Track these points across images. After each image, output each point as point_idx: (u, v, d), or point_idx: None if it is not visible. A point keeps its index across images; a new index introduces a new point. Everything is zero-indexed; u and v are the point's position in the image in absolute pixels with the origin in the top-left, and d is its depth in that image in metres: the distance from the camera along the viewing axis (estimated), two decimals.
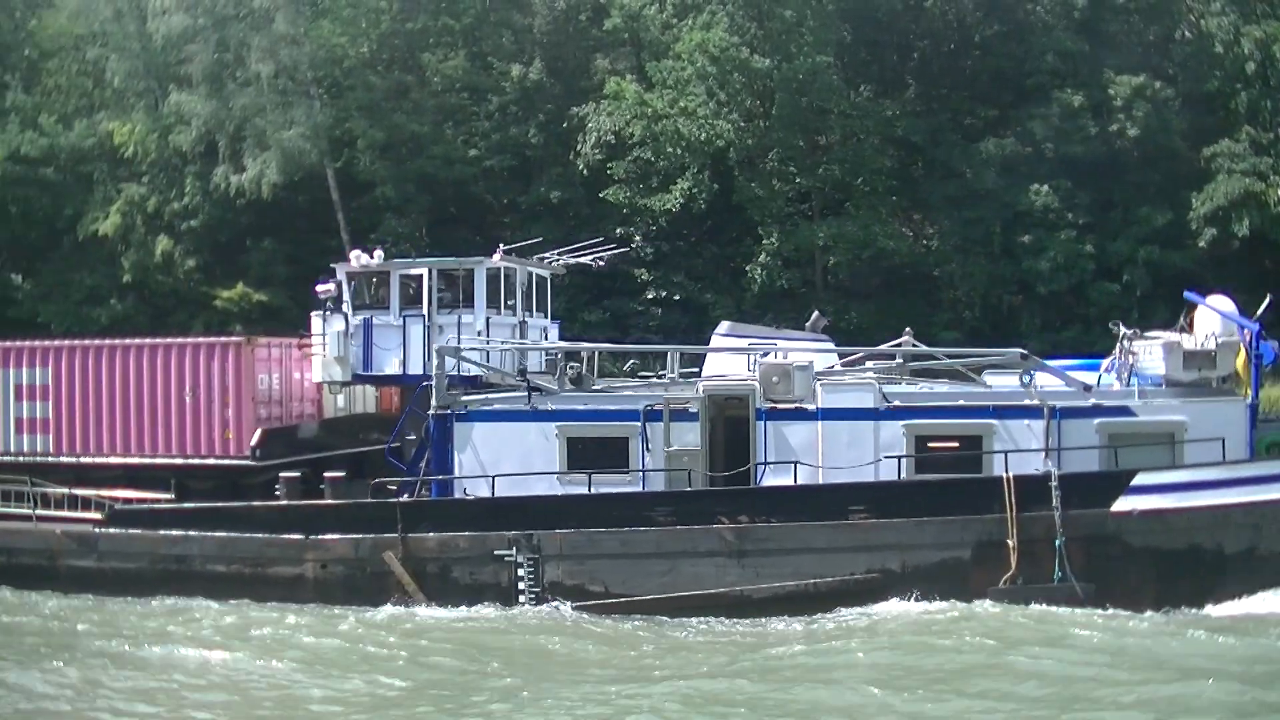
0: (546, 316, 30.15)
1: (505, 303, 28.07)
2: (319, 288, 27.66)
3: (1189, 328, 24.46)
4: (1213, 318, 24.29)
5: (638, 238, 50.01)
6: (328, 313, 27.01)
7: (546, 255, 30.03)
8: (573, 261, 31.12)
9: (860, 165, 48.37)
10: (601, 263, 31.19)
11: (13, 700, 17.05)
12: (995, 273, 47.68)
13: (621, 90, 49.73)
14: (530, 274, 29.21)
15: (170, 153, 54.42)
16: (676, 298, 49.57)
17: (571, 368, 26.04)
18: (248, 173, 51.51)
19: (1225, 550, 22.47)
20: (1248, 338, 23.54)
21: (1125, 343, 25.09)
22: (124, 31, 55.43)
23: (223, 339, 27.66)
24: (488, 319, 27.24)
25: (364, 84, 53.71)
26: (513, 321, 28.31)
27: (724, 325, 28.75)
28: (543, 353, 28.33)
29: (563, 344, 28.32)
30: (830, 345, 27.73)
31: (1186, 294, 25.27)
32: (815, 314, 29.52)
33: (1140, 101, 47.37)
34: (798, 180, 49.17)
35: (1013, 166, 47.99)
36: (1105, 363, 25.80)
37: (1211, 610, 21.90)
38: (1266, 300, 24.98)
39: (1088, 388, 24.26)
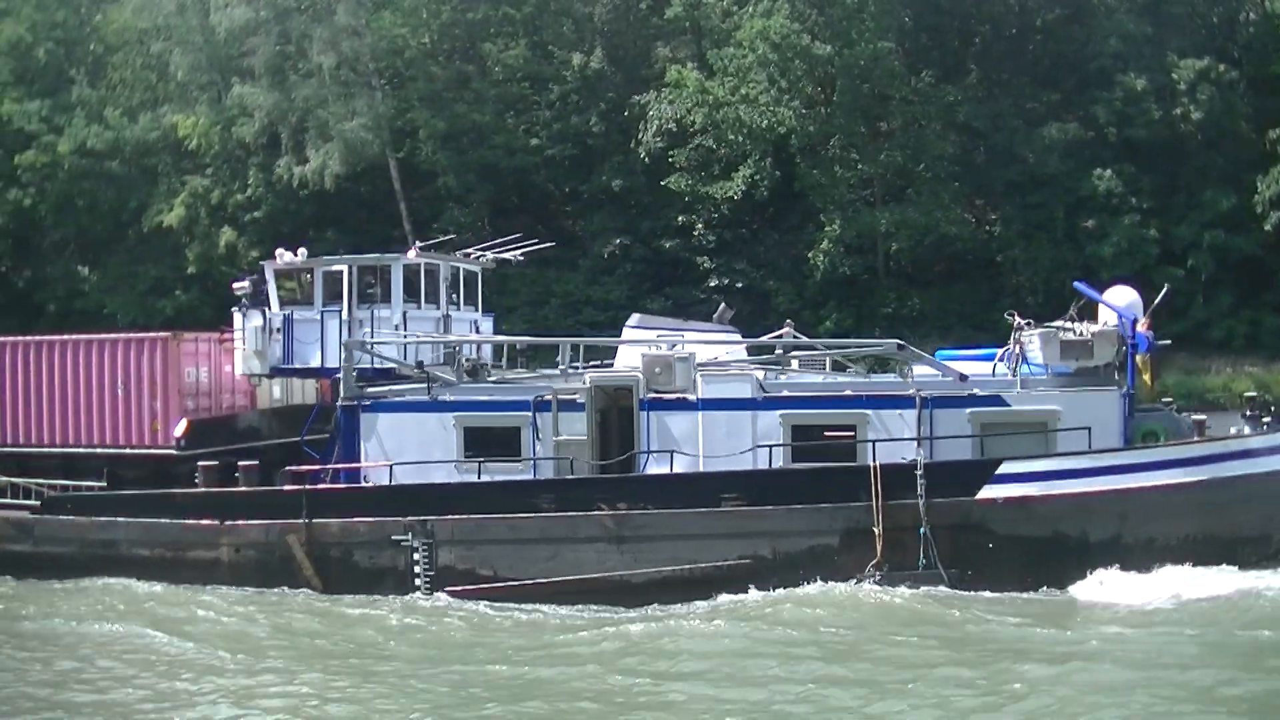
0: (477, 309, 31.37)
1: (426, 297, 29.45)
2: (235, 285, 29.32)
3: (1078, 317, 25.47)
4: (1115, 306, 25.68)
5: (700, 225, 52.72)
6: (245, 309, 28.49)
7: (470, 250, 31.67)
8: (499, 256, 32.28)
9: (922, 151, 50.93)
10: (521, 258, 32.65)
11: None
12: (1058, 258, 50.07)
13: (683, 78, 52.57)
14: (457, 269, 30.52)
15: (233, 145, 58.17)
16: (739, 285, 52.06)
17: (468, 360, 27.72)
18: (310, 164, 54.85)
19: (1090, 537, 23.37)
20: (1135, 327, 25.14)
21: (1016, 333, 25.95)
22: (187, 25, 59.21)
23: (150, 335, 29.41)
24: (405, 313, 28.53)
25: (425, 74, 57.13)
26: (436, 315, 29.54)
27: (634, 318, 29.77)
28: (439, 345, 29.54)
29: (469, 336, 29.73)
30: (737, 337, 28.84)
31: (1076, 284, 26.81)
32: (722, 306, 31.16)
33: (1204, 84, 49.68)
34: (859, 166, 51.74)
35: (1075, 151, 50.46)
36: (1000, 353, 26.72)
37: (1076, 596, 22.77)
38: (1164, 289, 27.23)
39: (963, 378, 25.35)
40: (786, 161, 52.41)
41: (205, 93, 59.87)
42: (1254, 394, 30.75)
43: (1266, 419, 26.12)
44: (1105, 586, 22.70)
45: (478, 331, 30.78)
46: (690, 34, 57.53)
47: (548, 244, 35.52)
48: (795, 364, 28.66)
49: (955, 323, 50.32)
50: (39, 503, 27.82)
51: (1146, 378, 25.45)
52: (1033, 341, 25.40)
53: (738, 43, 52.04)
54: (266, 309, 28.21)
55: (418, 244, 30.57)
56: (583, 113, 56.13)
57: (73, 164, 58.50)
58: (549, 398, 25.55)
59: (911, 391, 24.71)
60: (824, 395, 25.65)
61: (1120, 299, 25.67)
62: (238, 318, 28.32)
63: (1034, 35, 54.60)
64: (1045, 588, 22.96)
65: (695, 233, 52.51)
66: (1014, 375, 25.51)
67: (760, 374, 26.14)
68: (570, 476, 25.17)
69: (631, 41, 58.05)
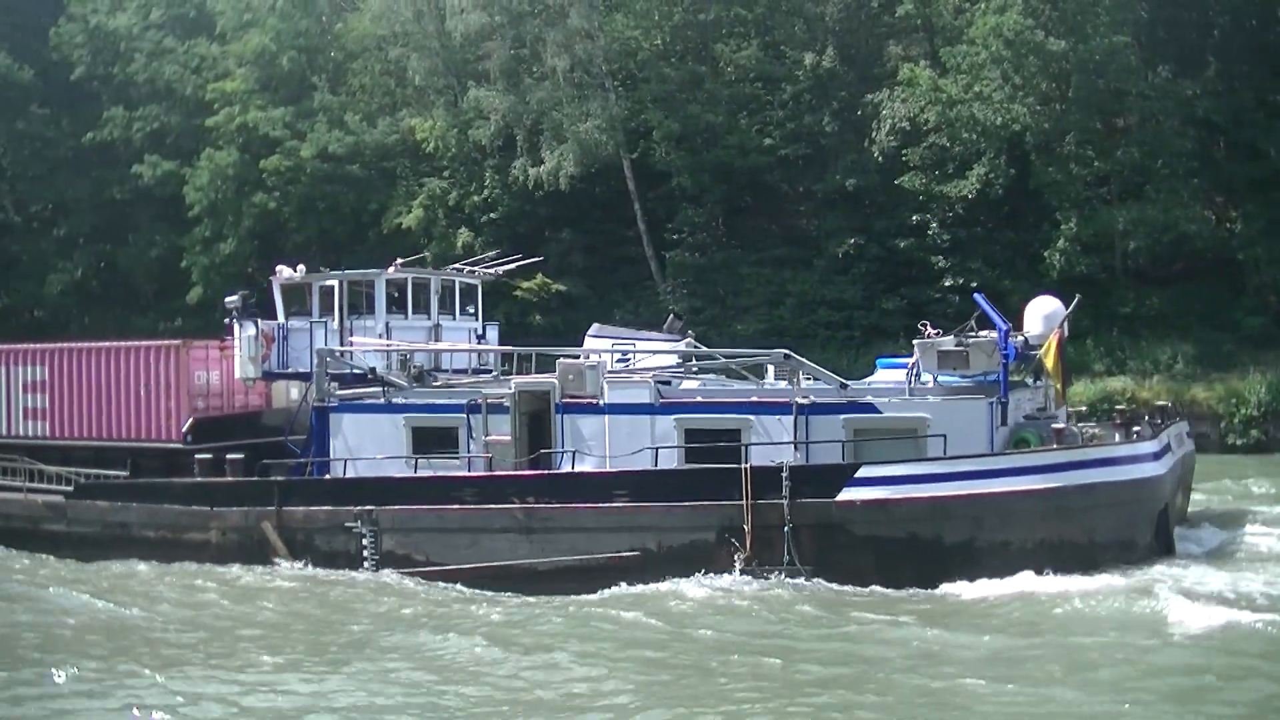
0: (477, 319, 37.22)
1: (415, 309, 35.25)
2: (227, 300, 34.84)
3: (976, 327, 29.07)
4: (1033, 315, 29.64)
5: (934, 224, 58.07)
6: (237, 320, 33.90)
7: (460, 265, 38.08)
8: (499, 271, 38.73)
9: (1160, 147, 54.94)
10: (498, 274, 38.62)
11: None
12: None
13: (915, 76, 57.71)
14: (452, 283, 36.33)
15: (470, 147, 66.21)
16: (974, 285, 56.12)
17: (414, 366, 33.24)
18: (545, 165, 62.21)
19: (945, 540, 26.29)
20: (1061, 338, 28.75)
21: (916, 342, 29.78)
22: (424, 31, 67.52)
23: (165, 343, 35.97)
24: (388, 323, 34.42)
25: (658, 75, 64.04)
26: (426, 324, 35.43)
27: (594, 327, 35.25)
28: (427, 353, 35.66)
29: (418, 345, 34.80)
30: (684, 346, 33.77)
31: (975, 296, 30.34)
32: (671, 317, 37.07)
33: None
34: (1095, 164, 55.85)
35: None
36: (911, 361, 30.32)
37: (929, 596, 25.55)
38: (1076, 299, 30.61)
39: (844, 385, 29.39)
40: (1021, 159, 56.69)
41: (442, 96, 68.11)
42: (1165, 403, 35.84)
43: (1137, 428, 29.93)
44: (958, 588, 25.60)
45: (479, 341, 36.95)
46: (922, 31, 62.81)
47: (535, 259, 43.49)
48: (771, 372, 33.29)
49: (1195, 323, 54.19)
50: (71, 488, 34.77)
51: (1057, 384, 29.43)
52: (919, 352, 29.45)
53: (970, 40, 56.27)
54: (258, 320, 33.89)
55: (398, 261, 36.27)
56: (815, 112, 62.05)
57: (315, 168, 67.06)
58: (480, 401, 30.74)
59: (789, 399, 28.76)
60: (713, 401, 29.99)
61: (1043, 309, 29.66)
62: (235, 328, 33.94)
63: (1275, 26, 57.57)
64: (902, 587, 25.89)
65: (929, 232, 57.73)
66: (913, 383, 29.66)
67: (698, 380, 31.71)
68: (489, 473, 29.93)
69: (863, 40, 63.69)
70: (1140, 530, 27.05)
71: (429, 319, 35.61)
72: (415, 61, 67.80)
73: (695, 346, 34.62)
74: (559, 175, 61.72)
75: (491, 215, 65.45)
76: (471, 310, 37.18)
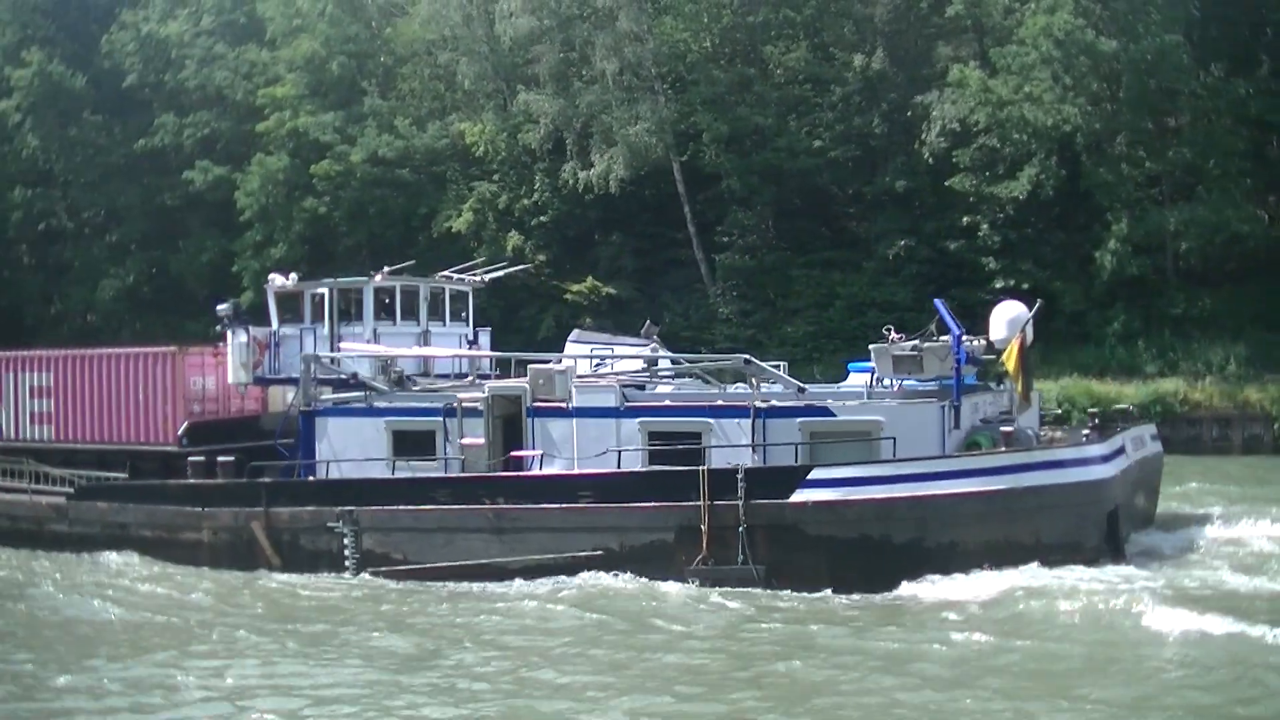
0: (468, 325, 38.45)
1: (404, 315, 36.45)
2: (218, 308, 36.07)
3: (936, 332, 29.77)
4: (997, 320, 30.55)
5: (984, 226, 58.62)
6: (228, 328, 35.32)
7: (448, 273, 38.83)
8: (489, 277, 40.17)
9: (1212, 147, 55.41)
10: (482, 281, 39.63)
11: None
12: None
13: (965, 77, 58.32)
14: (441, 290, 37.59)
15: (519, 151, 67.34)
16: (1025, 286, 56.60)
17: (395, 371, 34.27)
18: (595, 168, 63.22)
19: (893, 540, 27.04)
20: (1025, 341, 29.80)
21: (871, 347, 30.90)
22: (473, 35, 68.70)
23: (162, 349, 36.94)
24: (376, 329, 35.56)
25: (707, 78, 64.90)
26: (415, 330, 36.75)
27: (574, 333, 36.87)
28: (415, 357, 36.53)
29: (402, 351, 36.04)
30: (662, 351, 35.47)
31: (935, 302, 30.88)
32: (648, 323, 38.19)
33: None
34: (1147, 164, 56.45)
35: None
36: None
37: (879, 595, 26.31)
38: (1037, 304, 31.44)
39: (801, 389, 30.64)
40: (1072, 160, 57.24)
41: (491, 100, 69.24)
42: (1126, 407, 36.70)
43: (1086, 431, 30.67)
44: (906, 587, 26.32)
45: (470, 346, 38.16)
46: (972, 32, 63.37)
47: (524, 266, 43.51)
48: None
49: (1247, 324, 54.70)
50: (73, 490, 36.21)
51: (1019, 388, 30.13)
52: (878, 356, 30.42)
53: (1020, 40, 56.78)
54: (249, 326, 35.29)
55: (385, 269, 37.22)
56: (865, 114, 62.82)
57: (365, 172, 68.20)
58: (455, 405, 31.92)
59: (747, 402, 29.73)
60: (675, 405, 31.13)
61: (1007, 313, 30.64)
62: (228, 335, 35.31)
63: None
64: (852, 587, 26.67)
65: (980, 233, 58.28)
66: (871, 387, 30.68)
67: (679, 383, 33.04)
68: (463, 474, 31.18)
69: (912, 41, 64.39)
70: (1087, 532, 27.64)
71: (418, 325, 36.92)
72: (465, 66, 68.96)
73: (656, 350, 35.85)
74: (609, 178, 62.65)
75: (541, 219, 66.54)
76: (463, 316, 38.48)
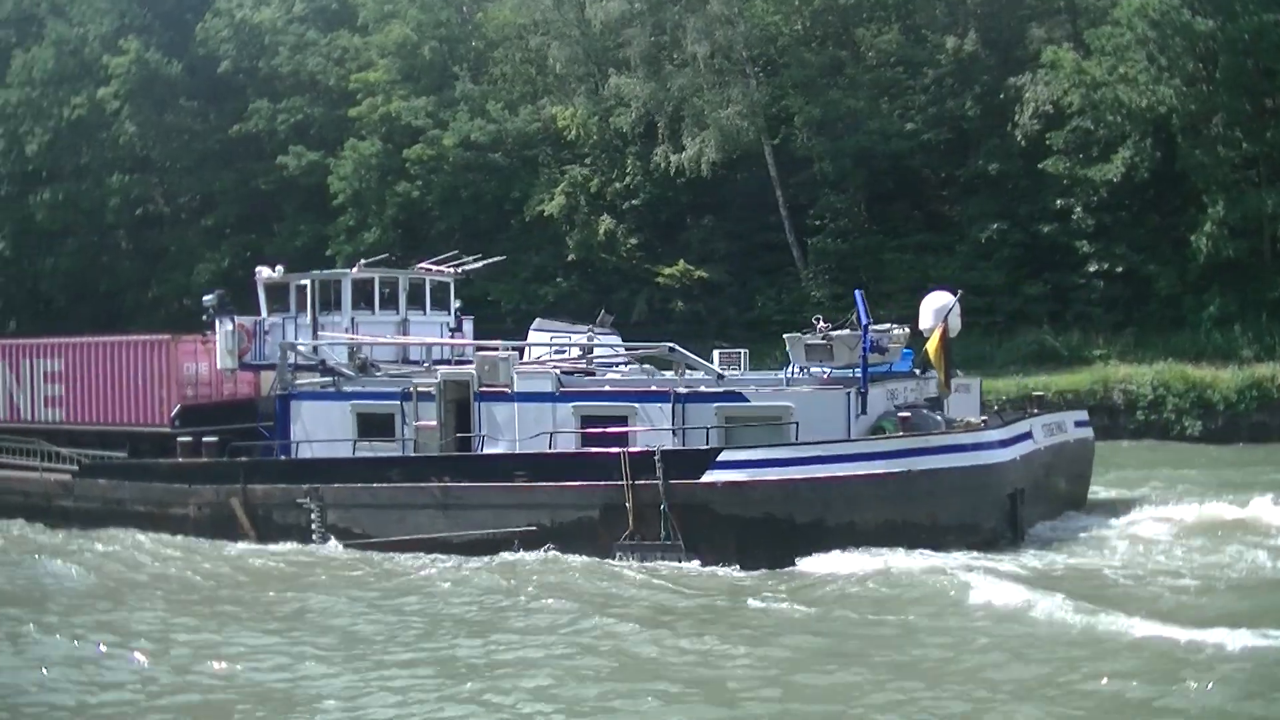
0: (449, 314, 41.06)
1: (383, 305, 39.27)
2: (205, 298, 39.71)
3: (858, 323, 31.16)
4: (925, 309, 32.15)
5: (1078, 208, 59.37)
6: (215, 317, 38.46)
7: (425, 264, 41.55)
8: (470, 268, 42.66)
9: None
10: (460, 273, 41.74)
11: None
12: None
13: (1058, 59, 58.97)
14: (422, 281, 40.37)
15: (611, 134, 69.09)
16: (1119, 270, 58.56)
17: (358, 357, 37.30)
18: (687, 152, 64.67)
19: (796, 520, 28.91)
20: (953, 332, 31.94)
21: (785, 337, 32.94)
22: (564, 19, 70.48)
23: (157, 337, 40.81)
24: (354, 319, 38.46)
25: (799, 61, 66.21)
26: (394, 319, 39.47)
27: (537, 321, 39.80)
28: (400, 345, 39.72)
29: (373, 339, 38.67)
30: (616, 339, 38.15)
31: (855, 292, 32.61)
32: (602, 313, 40.69)
33: None
34: (1244, 145, 56.45)
35: None
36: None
37: (783, 571, 28.09)
38: (958, 294, 32.98)
39: (721, 376, 32.72)
40: (1167, 142, 57.53)
41: (583, 84, 70.95)
42: (1040, 393, 39.14)
43: (983, 417, 32.13)
44: (810, 564, 28.01)
45: (453, 335, 40.81)
46: (1065, 13, 64.00)
47: (498, 258, 48.03)
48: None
49: None
50: (77, 468, 39.81)
51: (941, 375, 31.75)
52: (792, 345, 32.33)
53: (1114, 21, 57.11)
54: (234, 315, 38.15)
55: (362, 261, 40.60)
56: (957, 96, 63.68)
57: (457, 156, 70.19)
58: (411, 390, 34.73)
59: (669, 388, 32.07)
60: (604, 390, 33.27)
61: (933, 303, 32.19)
62: (217, 324, 38.21)
63: None
64: (761, 562, 28.58)
65: (1074, 216, 58.93)
66: (793, 375, 32.26)
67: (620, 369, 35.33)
68: (414, 455, 34.11)
69: (1005, 23, 65.04)
70: (983, 514, 29.21)
71: (397, 314, 39.62)
72: (556, 50, 70.70)
73: (591, 337, 38.09)
74: (700, 162, 63.96)
75: (633, 202, 68.27)
76: (445, 305, 41.10)
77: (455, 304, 41.68)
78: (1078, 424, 34.78)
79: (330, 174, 73.70)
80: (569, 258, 68.24)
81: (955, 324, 32.27)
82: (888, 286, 61.14)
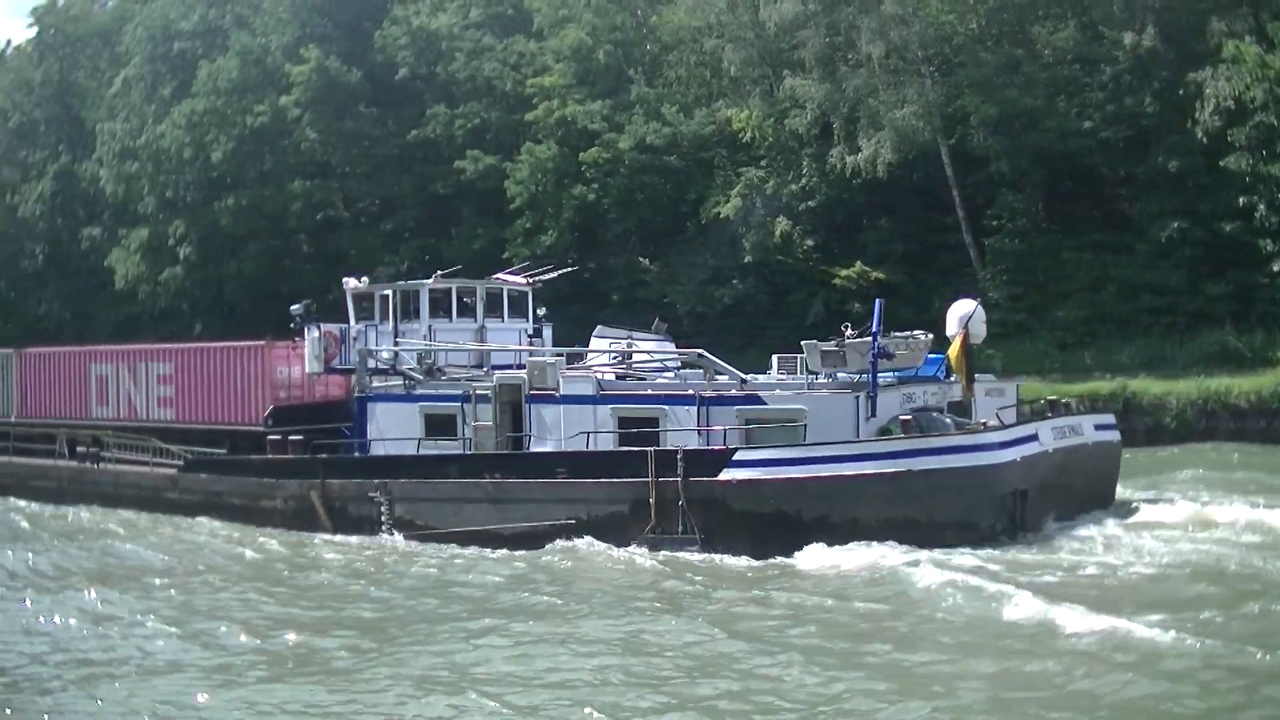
0: (527, 321, 45.02)
1: (460, 313, 43.47)
2: (292, 308, 43.54)
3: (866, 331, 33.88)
4: (950, 316, 34.35)
5: (1261, 206, 59.40)
6: (302, 324, 42.64)
7: (502, 275, 45.83)
8: (546, 277, 46.20)
9: None
10: (539, 284, 45.27)
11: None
12: None
13: (1240, 53, 59.27)
14: (500, 290, 44.52)
15: (786, 136, 71.00)
16: None
17: (425, 362, 41.18)
18: (862, 153, 66.14)
19: (804, 516, 31.92)
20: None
21: (803, 343, 35.91)
22: (738, 21, 72.51)
23: (254, 343, 45.58)
24: (430, 326, 42.60)
25: (974, 60, 67.46)
26: (472, 326, 43.63)
27: (598, 329, 42.17)
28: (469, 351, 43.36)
29: (444, 345, 42.71)
30: (670, 346, 40.79)
31: (875, 301, 34.73)
32: (656, 320, 43.61)
33: None
34: None
35: None
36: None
37: (791, 564, 30.97)
38: (977, 301, 35.36)
39: (744, 381, 35.39)
40: None
41: (757, 86, 72.95)
42: (1054, 398, 41.13)
43: (985, 420, 33.95)
44: (813, 557, 30.81)
45: (532, 342, 44.25)
46: (1247, 6, 63.85)
47: (570, 268, 52.37)
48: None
49: None
50: (182, 464, 44.94)
51: (963, 380, 34.16)
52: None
53: None
54: (319, 324, 42.52)
55: (438, 273, 44.46)
56: (1136, 93, 64.14)
57: (633, 159, 72.66)
58: (471, 392, 38.67)
59: (692, 391, 35.35)
60: (639, 394, 36.84)
61: (958, 310, 34.34)
62: (305, 331, 42.47)
63: None
64: (769, 555, 31.52)
65: (1257, 214, 59.06)
66: (813, 376, 34.96)
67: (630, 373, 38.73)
68: (469, 453, 38.35)
69: (1184, 17, 65.03)
70: (980, 512, 31.56)
71: (474, 321, 43.80)
72: (730, 52, 72.58)
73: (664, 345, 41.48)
74: (876, 162, 65.22)
75: (809, 204, 69.98)
76: (524, 313, 45.05)
77: (541, 311, 45.64)
78: (1099, 427, 36.65)
79: (507, 178, 76.43)
80: (745, 260, 69.95)
81: (979, 330, 34.68)
82: (1066, 286, 62.70)
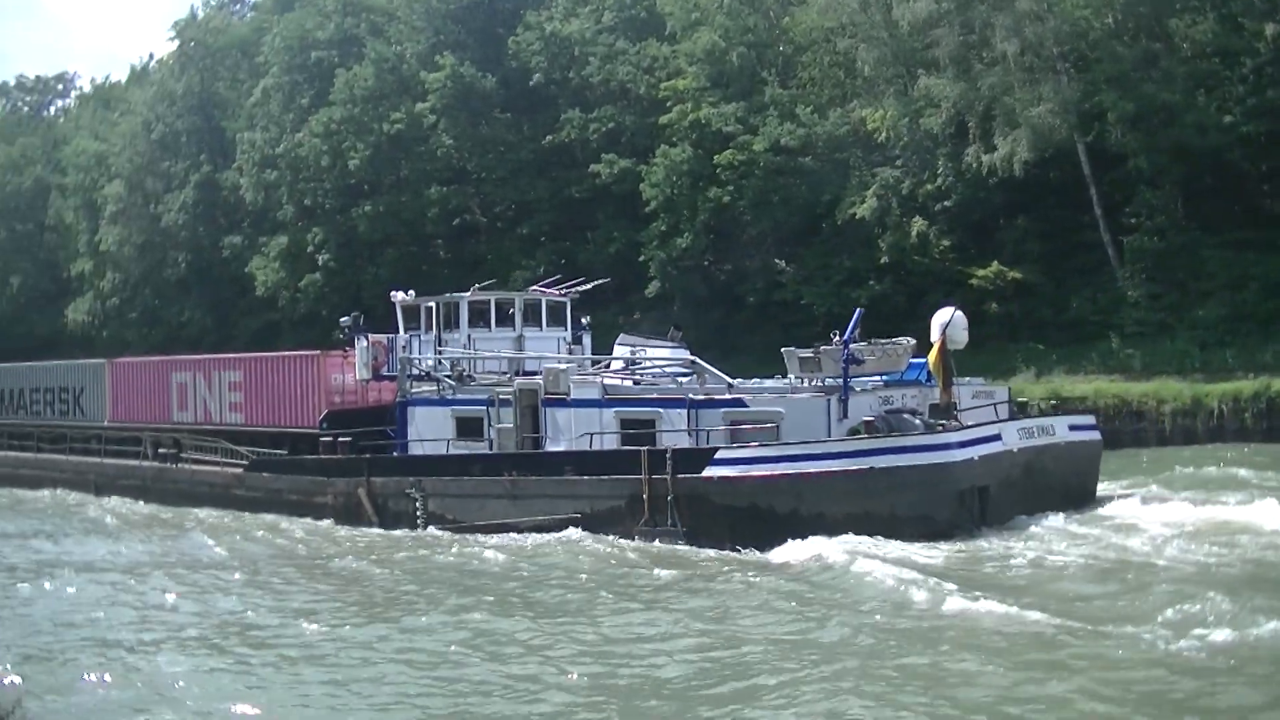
0: (565, 330, 48.71)
1: (499, 323, 46.86)
2: (342, 320, 47.75)
3: (855, 338, 36.80)
4: (934, 323, 37.13)
5: None
6: (353, 335, 46.59)
7: (538, 287, 49.24)
8: (582, 289, 49.50)
9: None
10: (575, 295, 48.88)
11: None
12: None
13: None
14: (538, 301, 47.93)
15: (921, 135, 72.20)
16: None
17: (457, 369, 44.57)
18: (998, 151, 67.00)
19: (776, 510, 34.73)
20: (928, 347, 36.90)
21: (782, 350, 38.96)
22: (871, 21, 73.87)
23: (310, 353, 50.62)
24: (469, 336, 46.22)
25: (1111, 55, 67.87)
26: (511, 335, 46.93)
27: (620, 335, 45.73)
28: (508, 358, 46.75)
29: (480, 353, 46.23)
30: (685, 352, 42.68)
31: (857, 311, 38.09)
32: (673, 329, 46.50)
33: None
34: None
35: None
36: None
37: (765, 555, 33.77)
38: (955, 309, 37.74)
39: (731, 385, 38.79)
40: None
41: (891, 86, 74.10)
42: (1024, 400, 44.06)
43: (943, 422, 35.90)
44: (784, 549, 33.46)
45: (572, 350, 47.85)
46: None
47: (602, 280, 54.65)
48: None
49: None
50: (247, 463, 49.43)
51: (941, 384, 36.70)
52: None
53: None
54: (368, 334, 46.42)
55: (475, 286, 47.92)
56: (1277, 86, 64.23)
57: (767, 161, 74.28)
58: (495, 397, 42.17)
59: (681, 395, 38.62)
60: (637, 398, 40.25)
61: (939, 318, 37.18)
62: (355, 341, 46.46)
63: None
64: (746, 546, 34.55)
65: None
66: (795, 383, 38.07)
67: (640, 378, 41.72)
68: (491, 453, 41.93)
69: None
70: (937, 507, 34.10)
71: (513, 331, 47.18)
72: (864, 52, 73.85)
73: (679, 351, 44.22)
74: (1012, 161, 65.84)
75: (945, 204, 71.25)
76: (562, 322, 48.68)
77: (585, 319, 49.94)
78: (1074, 427, 38.96)
79: (642, 181, 78.47)
80: (881, 260, 71.30)
81: (959, 337, 37.40)
82: (1207, 284, 62.95)
